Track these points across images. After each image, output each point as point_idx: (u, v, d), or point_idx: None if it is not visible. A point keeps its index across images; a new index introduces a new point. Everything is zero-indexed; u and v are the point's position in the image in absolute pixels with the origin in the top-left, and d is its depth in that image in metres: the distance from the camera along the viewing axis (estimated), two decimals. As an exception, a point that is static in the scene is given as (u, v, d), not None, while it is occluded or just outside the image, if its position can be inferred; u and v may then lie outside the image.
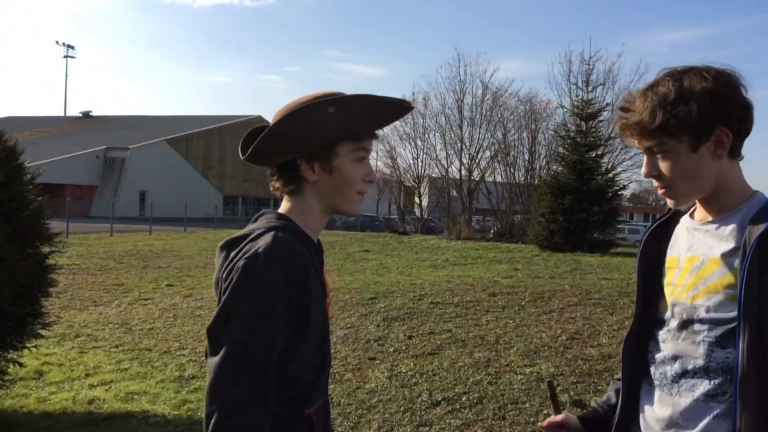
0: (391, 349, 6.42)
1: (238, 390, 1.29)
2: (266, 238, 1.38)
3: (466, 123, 31.11)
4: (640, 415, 1.58)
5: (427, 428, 4.62)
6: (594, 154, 19.12)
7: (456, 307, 8.01)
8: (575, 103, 21.56)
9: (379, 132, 1.57)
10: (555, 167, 21.46)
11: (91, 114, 68.91)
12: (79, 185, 46.97)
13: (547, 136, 28.46)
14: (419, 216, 36.31)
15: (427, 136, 33.76)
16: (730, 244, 1.42)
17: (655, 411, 1.53)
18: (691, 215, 1.57)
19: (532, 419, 4.67)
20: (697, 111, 1.39)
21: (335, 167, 1.48)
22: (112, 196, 42.65)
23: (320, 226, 1.56)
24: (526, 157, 28.72)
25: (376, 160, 40.61)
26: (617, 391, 1.69)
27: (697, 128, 1.40)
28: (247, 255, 1.36)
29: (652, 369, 1.55)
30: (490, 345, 6.41)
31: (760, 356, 1.35)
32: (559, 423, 1.76)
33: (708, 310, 1.43)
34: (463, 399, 5.05)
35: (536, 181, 25.26)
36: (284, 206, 1.54)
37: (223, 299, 1.36)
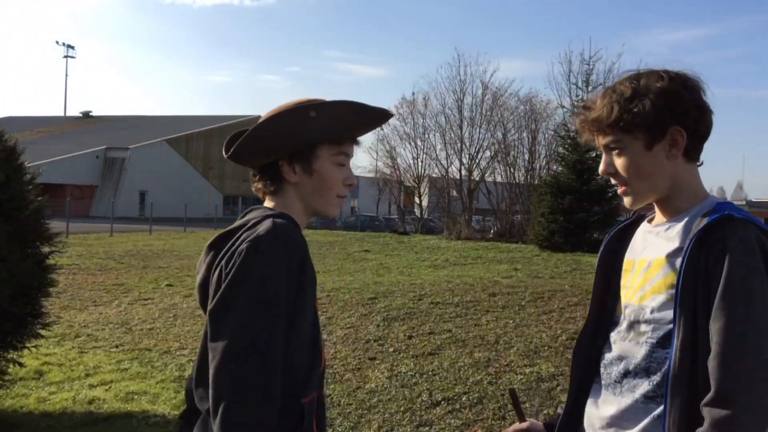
0: (391, 349, 6.42)
1: (241, 382, 1.30)
2: (266, 224, 1.40)
3: (466, 123, 31.12)
4: (585, 413, 1.60)
5: (427, 428, 4.62)
6: (594, 154, 19.07)
7: (456, 307, 8.01)
8: (575, 103, 21.57)
9: (361, 138, 1.60)
10: (555, 167, 21.46)
11: (91, 114, 68.92)
12: (79, 185, 46.98)
13: (547, 136, 28.46)
14: (419, 216, 36.28)
15: (427, 136, 33.77)
16: (674, 245, 1.45)
17: (599, 409, 1.54)
18: (650, 220, 1.60)
19: (532, 419, 4.66)
20: (651, 107, 1.42)
21: (315, 169, 1.53)
22: (112, 196, 42.63)
23: (303, 225, 1.57)
24: (526, 157, 28.73)
25: (377, 160, 40.70)
26: None
27: (650, 125, 1.44)
28: (249, 239, 1.38)
29: (602, 369, 1.57)
30: (490, 345, 6.41)
31: (693, 356, 1.35)
32: (524, 430, 1.78)
33: (652, 311, 1.45)
34: (463, 399, 5.05)
35: (536, 181, 25.24)
36: (268, 205, 1.57)
37: (224, 283, 1.36)
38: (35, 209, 4.84)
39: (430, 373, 5.66)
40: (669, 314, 1.41)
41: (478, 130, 31.00)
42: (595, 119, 1.50)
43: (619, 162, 1.50)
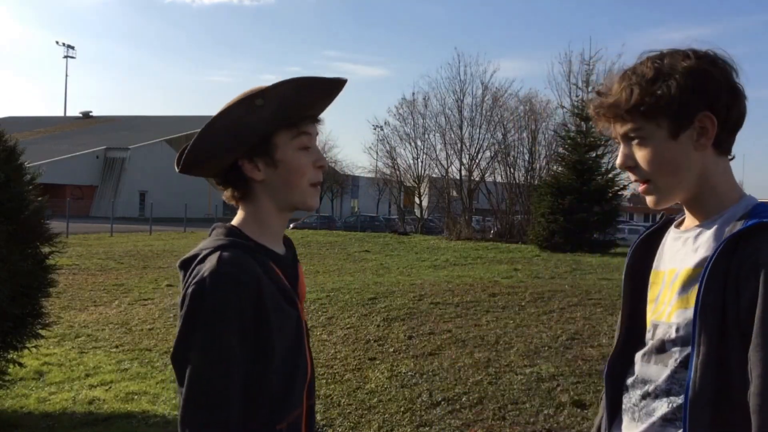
0: (391, 349, 6.42)
1: (201, 429, 1.30)
2: (211, 260, 1.34)
3: (466, 123, 31.12)
4: None
5: (427, 428, 4.62)
6: (594, 155, 19.12)
7: (456, 307, 8.01)
8: (575, 103, 21.58)
9: (322, 115, 1.49)
10: (555, 167, 21.45)
11: (91, 114, 68.94)
12: (79, 185, 46.98)
13: (547, 136, 28.43)
14: (419, 216, 36.28)
15: (427, 136, 33.75)
16: (703, 253, 1.28)
17: None
18: (679, 224, 1.42)
19: (532, 419, 4.67)
20: (676, 89, 1.25)
21: (279, 160, 1.41)
22: (112, 196, 42.65)
23: (281, 226, 1.50)
24: (526, 157, 28.68)
25: (377, 160, 40.72)
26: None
27: (676, 110, 1.26)
28: (194, 281, 1.33)
29: (625, 394, 1.43)
30: (490, 345, 6.41)
31: (719, 377, 1.21)
32: None
33: (678, 329, 1.29)
34: (463, 399, 5.05)
35: (536, 182, 25.23)
36: (239, 215, 1.49)
37: (178, 331, 1.34)
38: (35, 209, 4.84)
39: (430, 373, 5.65)
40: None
41: (478, 130, 31.02)
42: (612, 104, 1.32)
43: (640, 154, 1.32)
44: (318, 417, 4.80)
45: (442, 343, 6.53)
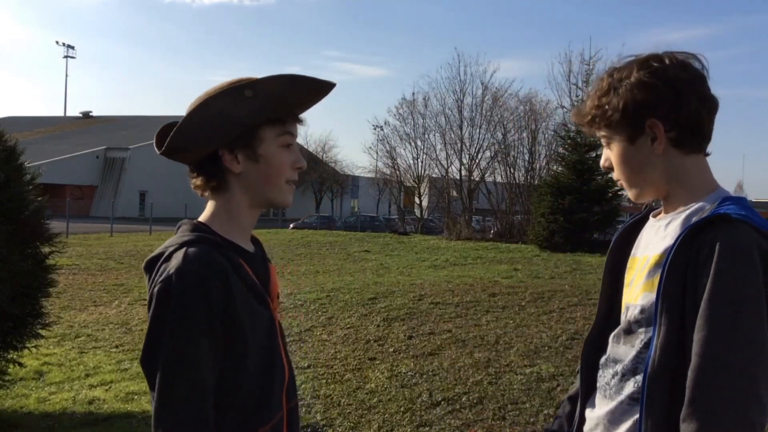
0: (391, 349, 6.42)
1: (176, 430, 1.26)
2: (177, 257, 1.30)
3: (466, 123, 31.14)
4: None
5: (427, 428, 4.62)
6: (594, 155, 19.10)
7: (456, 307, 8.02)
8: (575, 103, 21.58)
9: (304, 116, 1.47)
10: (555, 167, 21.46)
11: (91, 114, 68.95)
12: (79, 185, 46.98)
13: (547, 136, 28.42)
14: (419, 216, 36.28)
15: (427, 136, 33.76)
16: (669, 241, 1.35)
17: (593, 412, 1.47)
18: (657, 214, 1.51)
19: (532, 419, 4.67)
20: (619, 101, 1.38)
21: (261, 155, 1.39)
22: (112, 197, 42.67)
23: (250, 223, 1.47)
24: (526, 157, 28.70)
25: (377, 160, 40.70)
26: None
27: (624, 120, 1.38)
28: (161, 279, 1.29)
29: (599, 372, 1.49)
30: (490, 345, 6.41)
31: (676, 359, 1.27)
32: None
33: (643, 310, 1.37)
34: (463, 399, 5.05)
35: (536, 182, 25.25)
36: (207, 209, 1.45)
37: (147, 329, 1.30)
38: (35, 209, 4.84)
39: (430, 373, 5.66)
40: None
41: (478, 130, 31.04)
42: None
43: (612, 156, 1.46)
44: (318, 417, 4.80)
45: (442, 343, 6.53)
